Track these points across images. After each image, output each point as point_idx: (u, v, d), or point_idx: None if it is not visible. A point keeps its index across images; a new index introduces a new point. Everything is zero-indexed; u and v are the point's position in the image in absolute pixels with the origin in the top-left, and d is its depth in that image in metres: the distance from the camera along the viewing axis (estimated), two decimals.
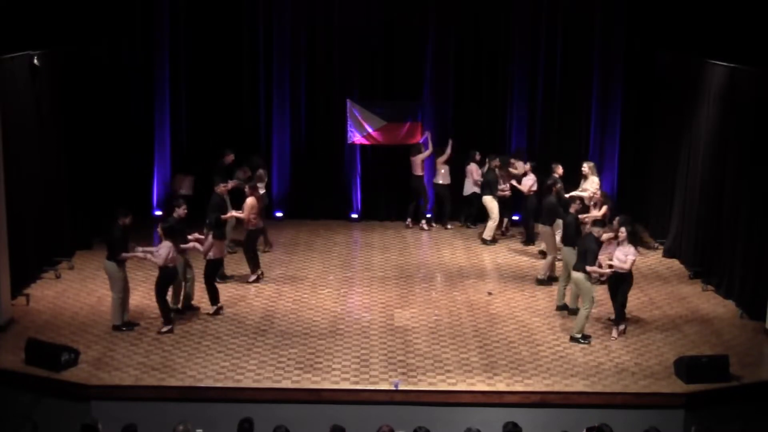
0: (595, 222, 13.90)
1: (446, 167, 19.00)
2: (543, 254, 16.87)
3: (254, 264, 15.84)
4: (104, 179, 18.23)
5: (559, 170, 16.91)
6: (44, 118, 15.67)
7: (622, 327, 13.63)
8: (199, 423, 10.88)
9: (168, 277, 13.42)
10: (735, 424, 10.42)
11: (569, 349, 13.24)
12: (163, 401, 11.74)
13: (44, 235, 15.65)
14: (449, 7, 19.36)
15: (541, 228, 16.28)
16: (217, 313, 14.23)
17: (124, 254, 13.48)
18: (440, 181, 19.09)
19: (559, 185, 16.24)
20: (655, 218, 18.66)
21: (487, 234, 18.23)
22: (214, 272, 14.44)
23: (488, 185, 18.11)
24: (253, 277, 15.75)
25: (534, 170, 17.97)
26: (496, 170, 18.19)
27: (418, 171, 18.97)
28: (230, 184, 16.50)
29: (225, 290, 15.06)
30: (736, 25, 15.91)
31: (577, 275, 13.46)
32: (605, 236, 14.06)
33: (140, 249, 13.59)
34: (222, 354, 12.86)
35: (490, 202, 18.13)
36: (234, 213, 15.70)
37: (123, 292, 13.57)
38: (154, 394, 11.83)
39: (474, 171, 18.63)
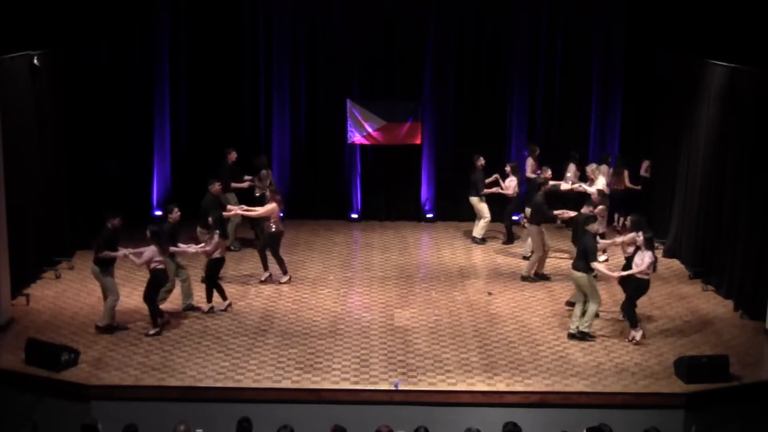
0: (588, 218, 13.96)
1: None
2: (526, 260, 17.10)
3: (284, 265, 15.84)
4: (104, 179, 18.23)
5: (547, 173, 17.02)
6: (44, 118, 15.67)
7: (639, 332, 13.42)
8: (199, 423, 10.89)
9: (157, 280, 13.38)
10: (735, 424, 10.42)
11: (569, 349, 13.24)
12: (163, 401, 11.74)
13: (44, 235, 15.65)
14: (449, 7, 19.37)
15: (528, 227, 16.34)
16: (225, 310, 14.34)
17: (108, 253, 13.41)
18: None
19: (548, 186, 16.37)
20: (655, 218, 18.66)
21: (478, 232, 18.29)
22: (217, 271, 14.44)
23: (474, 186, 18.10)
24: (286, 278, 15.77)
25: (514, 171, 18.01)
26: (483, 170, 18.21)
27: (528, 173, 18.69)
28: (246, 183, 16.74)
29: (226, 290, 15.07)
30: (736, 25, 15.91)
31: (577, 274, 13.45)
32: (621, 239, 14.01)
33: (125, 251, 13.49)
34: (222, 354, 12.86)
35: (478, 203, 18.14)
36: (238, 211, 15.74)
37: (115, 294, 13.52)
38: (154, 394, 11.83)
39: (573, 171, 18.44)
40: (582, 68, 19.56)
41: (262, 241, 15.97)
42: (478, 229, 18.30)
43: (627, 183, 18.28)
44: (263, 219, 15.70)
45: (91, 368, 12.30)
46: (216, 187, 15.71)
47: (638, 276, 13.26)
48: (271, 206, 15.50)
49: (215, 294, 14.43)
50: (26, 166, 14.85)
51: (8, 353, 12.68)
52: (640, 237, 13.36)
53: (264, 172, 17.39)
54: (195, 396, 11.86)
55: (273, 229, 15.57)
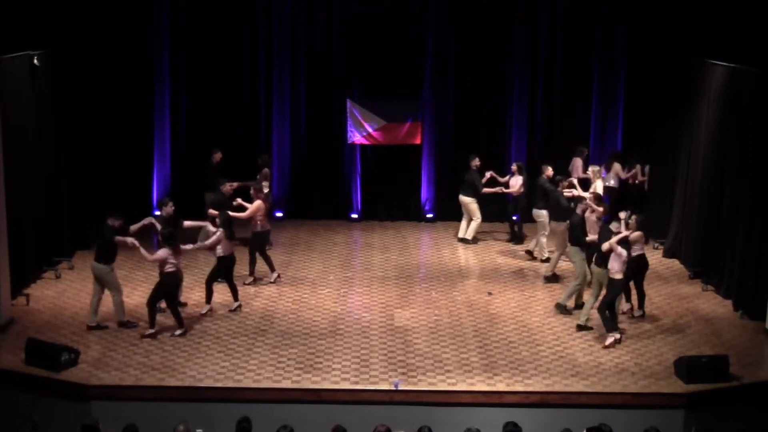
0: (612, 218, 13.95)
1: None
2: (529, 254, 17.27)
3: (272, 263, 15.76)
4: (104, 179, 18.23)
5: (549, 171, 16.99)
6: (44, 117, 15.67)
7: (612, 338, 13.30)
8: (199, 423, 10.90)
9: (168, 283, 13.32)
10: (735, 424, 10.41)
11: (569, 349, 13.25)
12: (163, 401, 11.75)
13: (44, 235, 15.65)
14: (449, 7, 19.37)
15: (554, 225, 16.20)
16: (234, 310, 14.37)
17: (118, 238, 13.38)
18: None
19: (565, 183, 16.35)
20: (655, 218, 18.65)
21: (470, 234, 18.32)
22: (224, 270, 14.36)
23: (472, 186, 18.10)
24: (274, 276, 15.72)
25: (520, 170, 18.02)
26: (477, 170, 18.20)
27: (574, 174, 18.58)
28: (236, 184, 16.54)
29: (225, 290, 15.09)
30: (737, 25, 15.91)
31: (600, 270, 13.43)
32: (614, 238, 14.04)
33: (135, 241, 13.47)
34: (222, 354, 12.86)
35: (471, 203, 18.15)
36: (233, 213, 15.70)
37: (120, 290, 13.54)
38: (154, 394, 11.83)
39: (619, 171, 18.51)
40: (582, 68, 19.57)
41: (250, 241, 15.86)
42: (471, 230, 18.31)
43: (640, 177, 18.35)
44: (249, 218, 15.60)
45: (91, 368, 12.29)
46: (227, 187, 15.75)
47: (611, 275, 13.30)
48: (257, 204, 15.42)
49: (202, 294, 14.42)
50: (26, 165, 14.84)
51: (8, 353, 12.68)
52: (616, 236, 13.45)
53: (266, 170, 17.42)
54: (195, 396, 11.86)
55: (259, 228, 15.51)
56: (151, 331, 13.36)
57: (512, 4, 19.36)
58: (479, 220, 18.25)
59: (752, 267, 14.40)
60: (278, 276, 15.79)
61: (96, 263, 13.52)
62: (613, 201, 17.24)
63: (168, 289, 13.37)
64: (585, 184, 17.64)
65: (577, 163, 18.72)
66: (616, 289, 13.37)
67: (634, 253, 13.80)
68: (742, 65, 15.11)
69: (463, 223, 18.47)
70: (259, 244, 15.68)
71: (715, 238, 15.75)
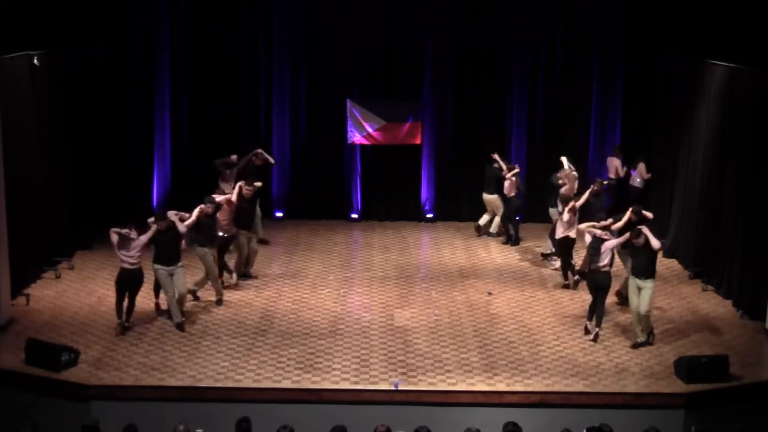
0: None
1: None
2: (544, 257, 17.21)
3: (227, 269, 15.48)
4: (104, 179, 18.23)
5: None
6: (44, 117, 15.66)
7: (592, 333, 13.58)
8: (199, 423, 10.90)
9: (119, 278, 13.37)
10: (735, 424, 10.42)
11: (569, 349, 13.25)
12: (163, 401, 11.75)
13: (44, 235, 15.64)
14: (449, 7, 19.37)
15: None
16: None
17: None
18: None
19: (600, 185, 16.45)
20: (654, 218, 18.61)
21: (494, 228, 18.51)
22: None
23: (495, 182, 18.19)
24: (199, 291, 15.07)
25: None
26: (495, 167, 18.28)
27: (611, 174, 18.87)
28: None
29: (225, 291, 15.09)
30: (736, 25, 15.91)
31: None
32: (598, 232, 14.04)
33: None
34: (222, 354, 12.86)
35: (496, 200, 18.30)
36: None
37: (168, 291, 13.63)
38: (154, 394, 11.83)
39: (643, 171, 18.69)
40: (582, 68, 19.56)
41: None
42: (495, 224, 18.52)
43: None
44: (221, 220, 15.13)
45: (91, 368, 12.30)
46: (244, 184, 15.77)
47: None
48: (224, 208, 14.94)
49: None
50: (26, 166, 14.83)
51: (8, 353, 12.68)
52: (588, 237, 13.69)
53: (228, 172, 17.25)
54: (195, 396, 11.87)
55: (222, 233, 14.97)
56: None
57: (512, 5, 19.36)
58: (501, 215, 18.43)
59: (752, 267, 14.41)
60: (257, 275, 15.66)
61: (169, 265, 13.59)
62: (637, 200, 17.19)
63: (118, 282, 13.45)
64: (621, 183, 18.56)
65: (614, 162, 18.77)
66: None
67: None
68: (742, 65, 15.12)
69: (486, 216, 18.62)
70: (222, 249, 15.23)
71: (715, 238, 15.75)
